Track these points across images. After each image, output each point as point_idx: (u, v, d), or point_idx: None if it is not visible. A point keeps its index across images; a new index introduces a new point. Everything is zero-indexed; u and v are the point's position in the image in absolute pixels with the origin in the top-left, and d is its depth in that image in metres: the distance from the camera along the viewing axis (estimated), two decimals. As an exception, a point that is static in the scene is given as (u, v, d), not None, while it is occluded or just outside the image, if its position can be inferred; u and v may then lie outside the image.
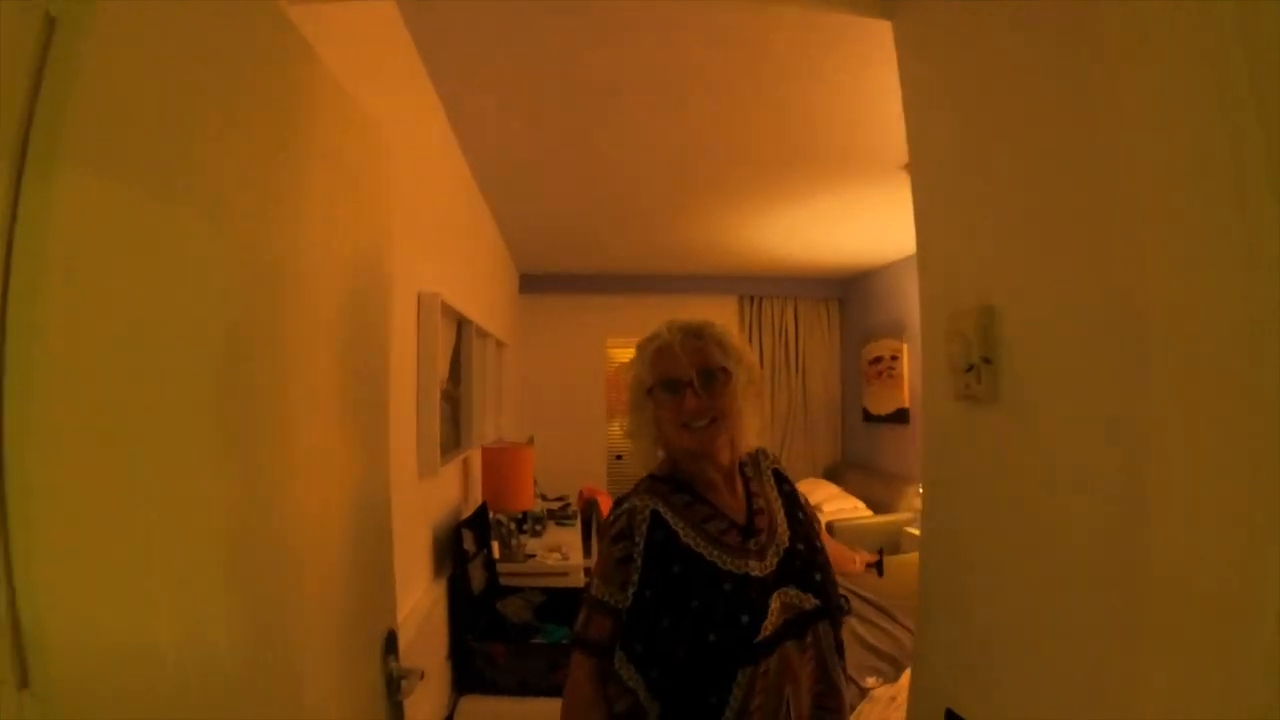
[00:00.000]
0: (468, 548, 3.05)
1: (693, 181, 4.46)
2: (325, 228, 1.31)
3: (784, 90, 3.03)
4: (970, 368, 1.26)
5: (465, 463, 3.75)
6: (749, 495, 1.47)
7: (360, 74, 1.86)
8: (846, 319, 7.77)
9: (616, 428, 7.55)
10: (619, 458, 7.74)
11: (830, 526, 5.71)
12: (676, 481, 1.44)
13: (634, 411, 1.49)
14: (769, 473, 1.56)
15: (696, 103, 3.22)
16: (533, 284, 7.42)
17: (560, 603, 3.36)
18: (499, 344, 5.24)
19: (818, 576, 1.41)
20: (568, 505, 5.26)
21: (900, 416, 6.51)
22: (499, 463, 3.81)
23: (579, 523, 4.74)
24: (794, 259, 6.80)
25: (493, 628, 3.11)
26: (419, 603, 2.57)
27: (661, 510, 1.37)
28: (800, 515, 1.50)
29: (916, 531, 5.44)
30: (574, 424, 7.49)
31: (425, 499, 2.77)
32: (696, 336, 1.44)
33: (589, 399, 7.51)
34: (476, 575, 3.13)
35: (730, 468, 1.47)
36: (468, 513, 3.48)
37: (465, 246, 4.04)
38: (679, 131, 3.56)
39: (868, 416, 7.12)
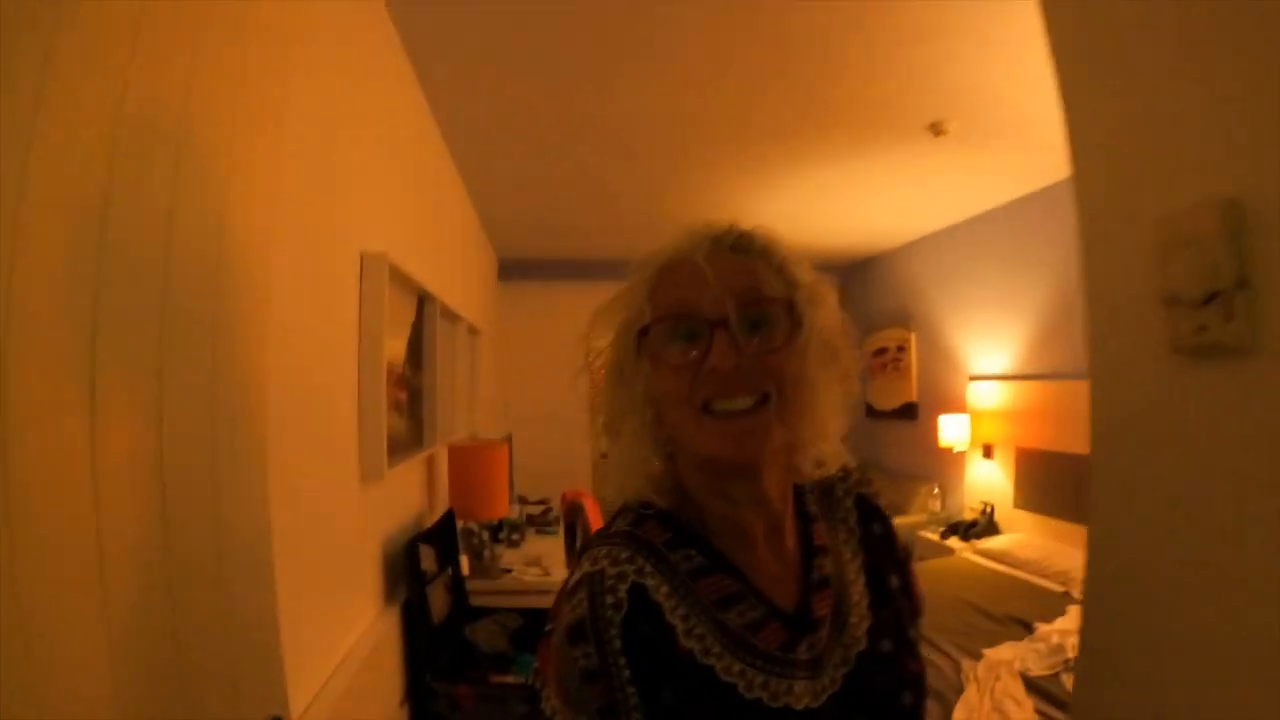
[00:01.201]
0: (427, 567, 2.52)
1: (683, 155, 4.02)
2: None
3: (788, 26, 2.52)
4: (1211, 297, 0.76)
5: (429, 463, 3.22)
6: (809, 554, 0.86)
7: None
8: (846, 308, 7.28)
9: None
10: (604, 456, 7.22)
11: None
12: (678, 524, 0.83)
13: (614, 381, 0.88)
14: (849, 508, 0.93)
15: (689, 65, 2.79)
16: (513, 270, 6.89)
17: (541, 626, 2.84)
18: (472, 330, 4.72)
19: (908, 699, 0.82)
20: (549, 510, 4.75)
21: (907, 412, 6.05)
22: (469, 463, 3.28)
23: (562, 529, 4.22)
24: (792, 243, 6.31)
25: (459, 663, 2.59)
26: (363, 637, 2.05)
27: (649, 584, 0.77)
28: (894, 584, 0.89)
29: (934, 536, 4.97)
30: (557, 421, 6.94)
31: (370, 509, 2.24)
32: (739, 249, 0.84)
33: (573, 394, 6.98)
34: (438, 600, 2.61)
35: (783, 500, 0.85)
36: (431, 522, 2.95)
37: (433, 216, 3.52)
38: (667, 97, 3.12)
39: (871, 412, 6.65)
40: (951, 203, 5.01)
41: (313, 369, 1.73)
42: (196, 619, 0.88)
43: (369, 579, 2.23)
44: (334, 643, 1.86)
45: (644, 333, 0.82)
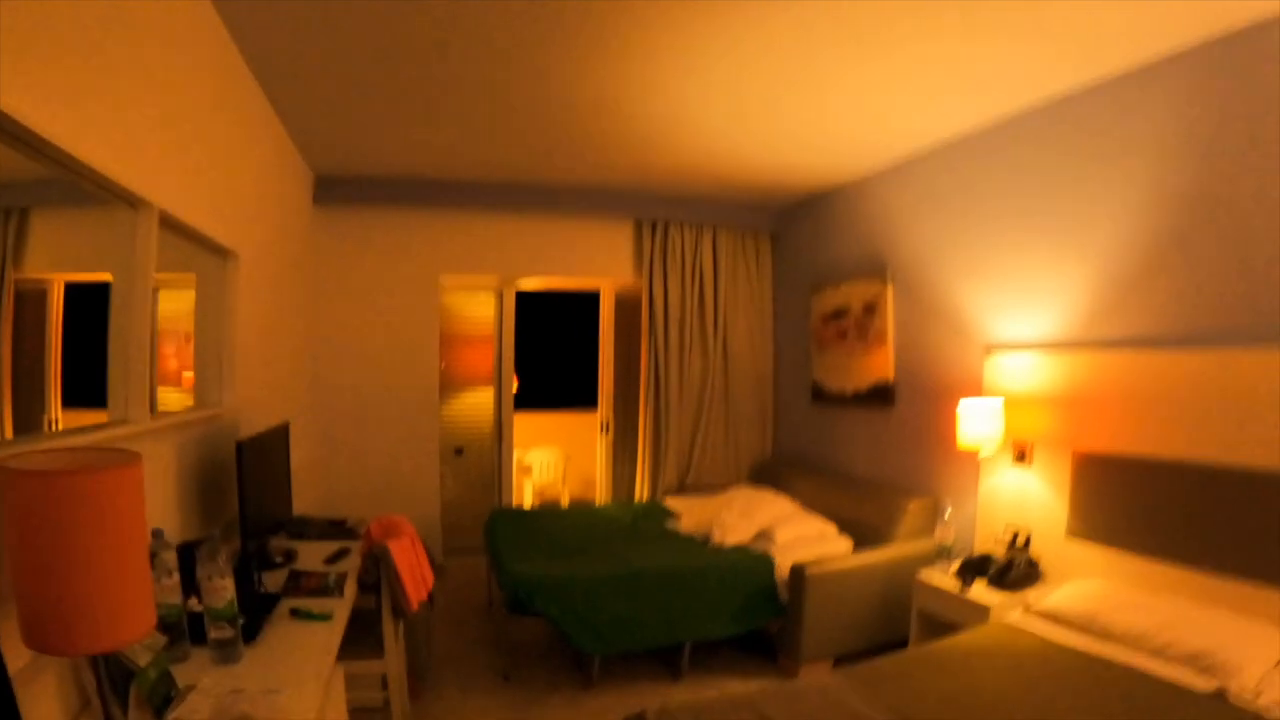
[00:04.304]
0: None
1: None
2: None
3: None
4: None
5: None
6: None
7: None
8: (783, 258, 5.61)
9: (456, 408, 5.10)
10: (459, 452, 5.26)
11: (802, 575, 3.51)
12: None
13: None
14: None
15: None
16: (334, 191, 4.76)
17: None
18: (223, 252, 2.69)
19: None
20: (342, 552, 2.79)
21: (879, 395, 4.41)
22: (34, 520, 1.24)
23: (343, 605, 2.27)
24: (718, 170, 4.55)
25: None
26: None
27: None
28: None
29: (944, 579, 3.33)
30: (388, 400, 4.92)
31: None
32: None
33: (413, 361, 4.95)
34: None
35: None
36: None
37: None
38: None
39: (820, 395, 5.00)
40: (959, 102, 3.39)
41: None
42: None
43: None
44: None
45: None
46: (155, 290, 2.32)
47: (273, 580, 2.40)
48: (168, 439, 2.29)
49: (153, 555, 1.86)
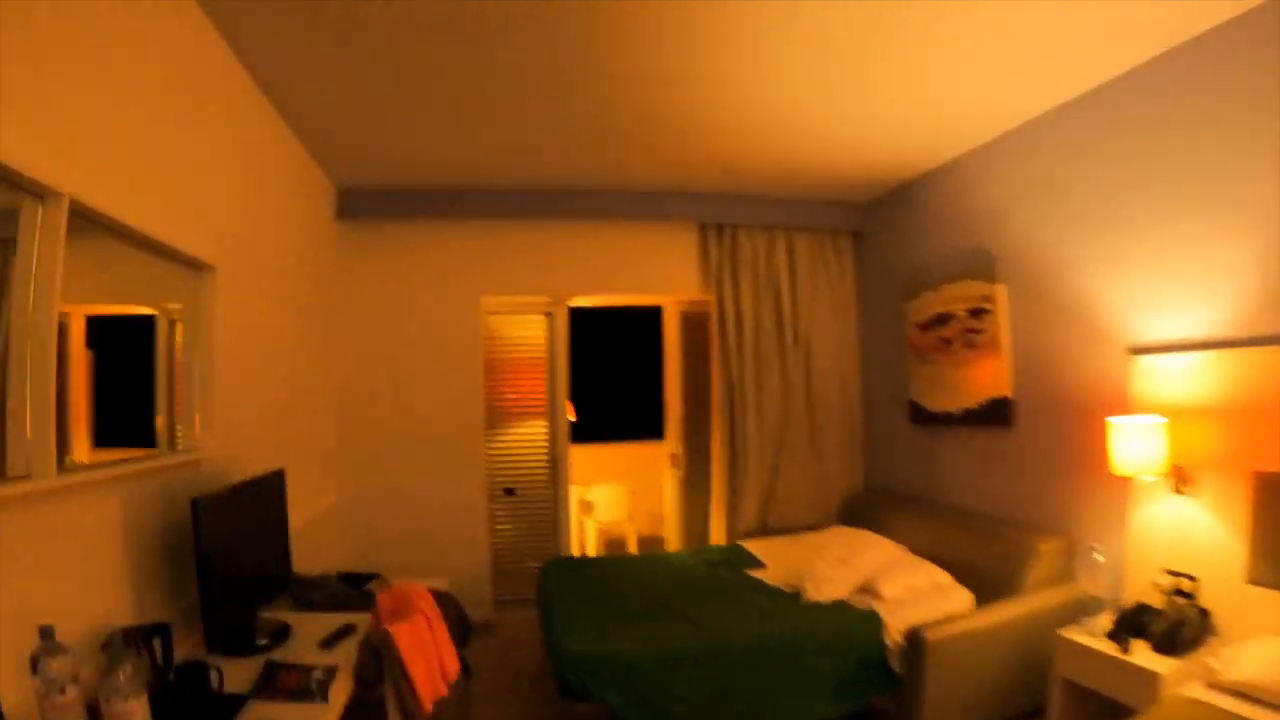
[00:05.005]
0: None
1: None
2: None
3: None
4: None
5: None
6: None
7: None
8: (869, 260, 4.93)
9: (504, 442, 4.59)
10: (509, 492, 4.74)
11: (921, 641, 2.82)
12: None
13: None
14: None
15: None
16: (360, 205, 4.35)
17: None
18: (196, 265, 2.23)
19: None
20: (344, 631, 2.25)
21: (994, 413, 3.69)
22: None
23: (330, 702, 1.73)
24: (794, 159, 3.96)
25: None
26: None
27: None
28: None
29: (1093, 639, 2.62)
30: (427, 435, 4.44)
31: None
32: None
33: (454, 392, 4.46)
34: None
35: None
36: None
37: None
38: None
39: (920, 415, 4.29)
40: (1083, 52, 2.72)
41: None
42: None
43: None
44: None
45: None
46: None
47: (244, 673, 1.87)
48: (111, 494, 1.80)
49: (34, 663, 1.34)
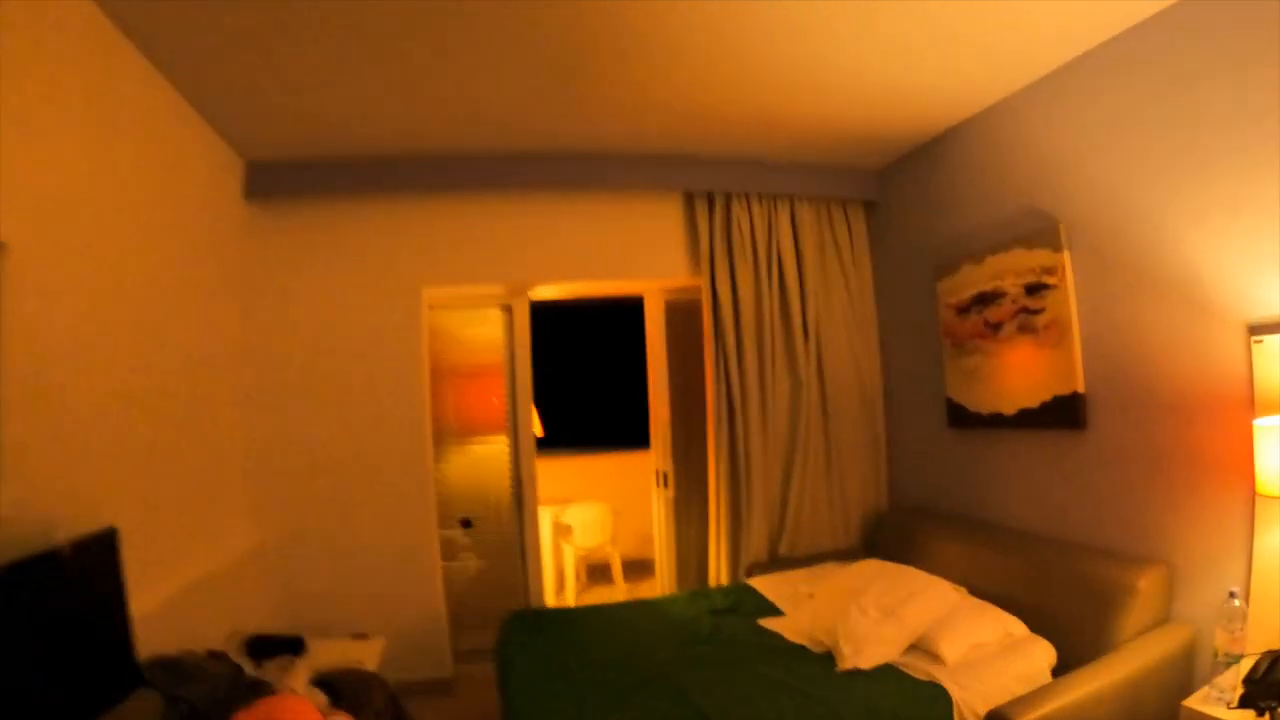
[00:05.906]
0: None
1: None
2: None
3: None
4: None
5: None
6: None
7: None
8: (887, 233, 4.17)
9: (458, 463, 3.81)
10: (466, 524, 3.95)
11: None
12: None
13: None
14: None
15: None
16: (273, 180, 3.53)
17: None
18: None
19: None
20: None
21: (1061, 413, 2.95)
22: None
23: None
24: (800, 109, 3.22)
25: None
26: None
27: None
28: None
29: (1217, 710, 1.89)
30: (361, 460, 3.64)
31: None
32: None
33: (392, 406, 3.66)
34: None
35: None
36: None
37: None
38: None
39: (960, 417, 3.54)
40: None
41: None
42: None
43: None
44: None
45: None
46: None
47: None
48: None
49: None
